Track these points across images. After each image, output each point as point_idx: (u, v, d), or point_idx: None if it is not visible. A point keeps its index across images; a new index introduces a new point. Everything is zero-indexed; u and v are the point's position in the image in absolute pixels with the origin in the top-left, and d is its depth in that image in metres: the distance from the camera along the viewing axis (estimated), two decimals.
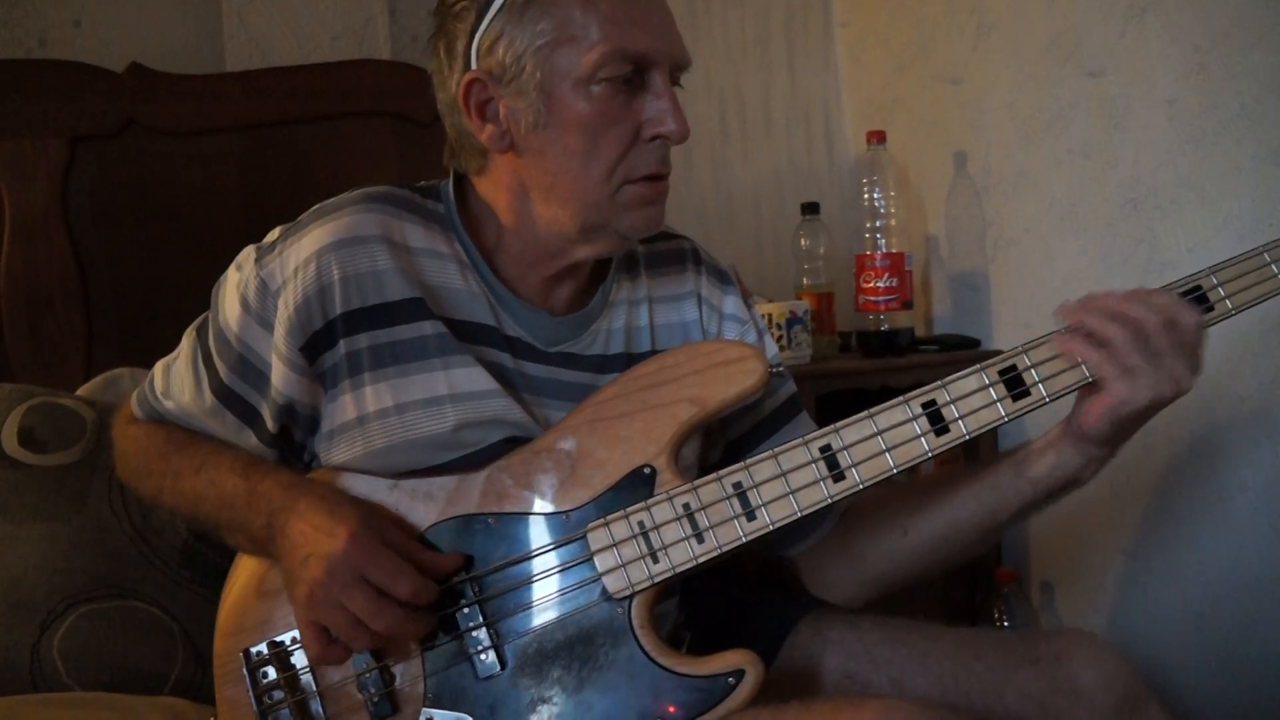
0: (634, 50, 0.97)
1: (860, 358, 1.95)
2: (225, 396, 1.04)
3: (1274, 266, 1.01)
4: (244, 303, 1.01)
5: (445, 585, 0.98)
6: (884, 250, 1.94)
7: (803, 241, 2.04)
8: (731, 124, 2.26)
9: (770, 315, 1.81)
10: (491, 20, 0.98)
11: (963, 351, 1.94)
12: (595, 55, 0.96)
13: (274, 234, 1.05)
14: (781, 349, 1.80)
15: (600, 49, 0.96)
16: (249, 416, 1.04)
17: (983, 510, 1.07)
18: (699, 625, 1.17)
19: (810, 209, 2.04)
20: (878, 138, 1.98)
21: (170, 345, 1.13)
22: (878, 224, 1.96)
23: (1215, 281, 1.01)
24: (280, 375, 1.01)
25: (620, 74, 0.98)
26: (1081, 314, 0.98)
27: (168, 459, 1.07)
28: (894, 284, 1.92)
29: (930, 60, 2.08)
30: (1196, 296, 1.00)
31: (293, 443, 1.07)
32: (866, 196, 1.97)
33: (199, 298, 1.13)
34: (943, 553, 1.11)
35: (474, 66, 1.00)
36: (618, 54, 0.97)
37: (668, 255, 1.18)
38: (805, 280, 2.03)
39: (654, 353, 1.13)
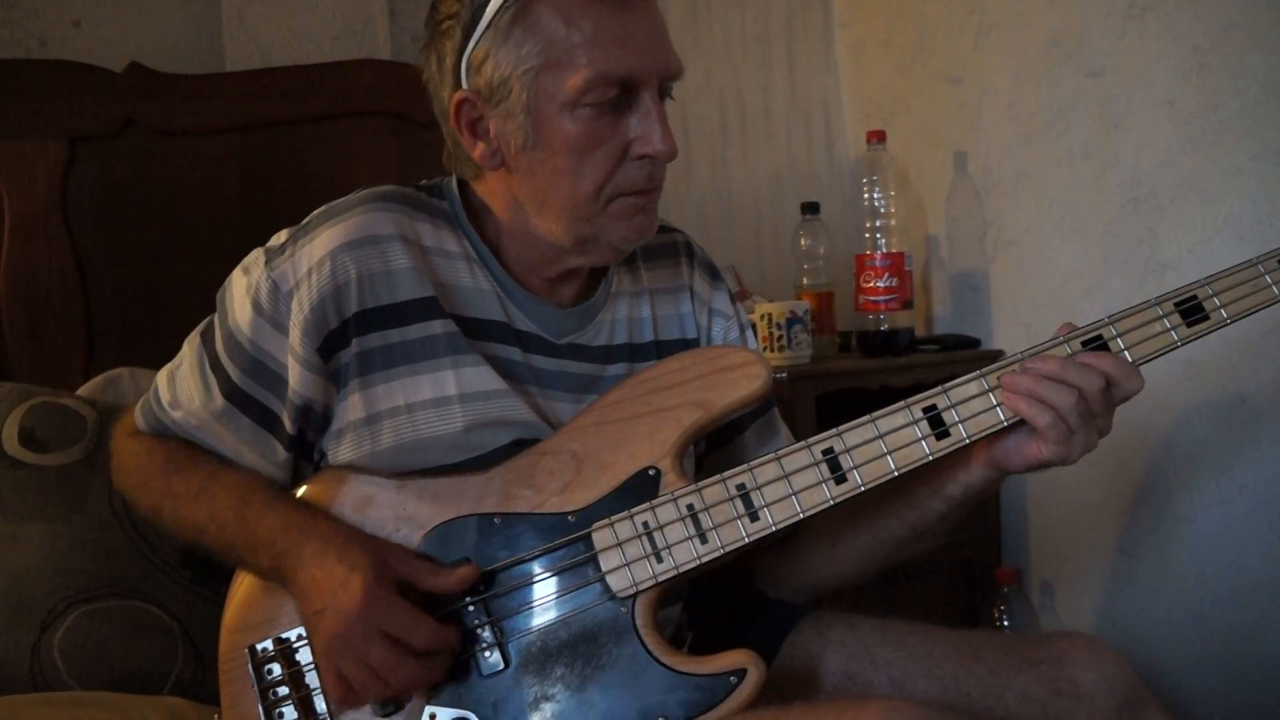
0: (619, 74, 0.97)
1: (860, 357, 1.95)
2: (239, 400, 1.04)
3: (1268, 278, 1.03)
4: (256, 305, 1.01)
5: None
6: (884, 250, 1.94)
7: (803, 241, 2.04)
8: (731, 124, 2.27)
9: (770, 315, 1.81)
10: (478, 40, 0.98)
11: (963, 351, 1.94)
12: (580, 80, 0.96)
13: (281, 236, 1.05)
14: (781, 349, 1.80)
15: (584, 74, 0.96)
16: (266, 420, 1.04)
17: (903, 525, 1.11)
18: (700, 625, 1.18)
19: (810, 209, 2.04)
20: (878, 138, 1.98)
21: (171, 344, 1.12)
22: (878, 224, 1.96)
23: (1210, 292, 1.02)
24: (297, 376, 1.01)
25: (605, 98, 0.97)
26: (1031, 384, 0.98)
27: (167, 479, 1.06)
28: (894, 284, 1.92)
29: (930, 60, 2.08)
30: (1192, 306, 1.02)
31: (305, 443, 1.06)
32: (866, 196, 1.97)
33: (199, 297, 1.13)
34: (869, 561, 1.15)
35: (464, 85, 1.01)
36: (602, 78, 0.96)
37: (662, 248, 1.20)
38: (805, 280, 2.03)
39: (656, 343, 1.15)
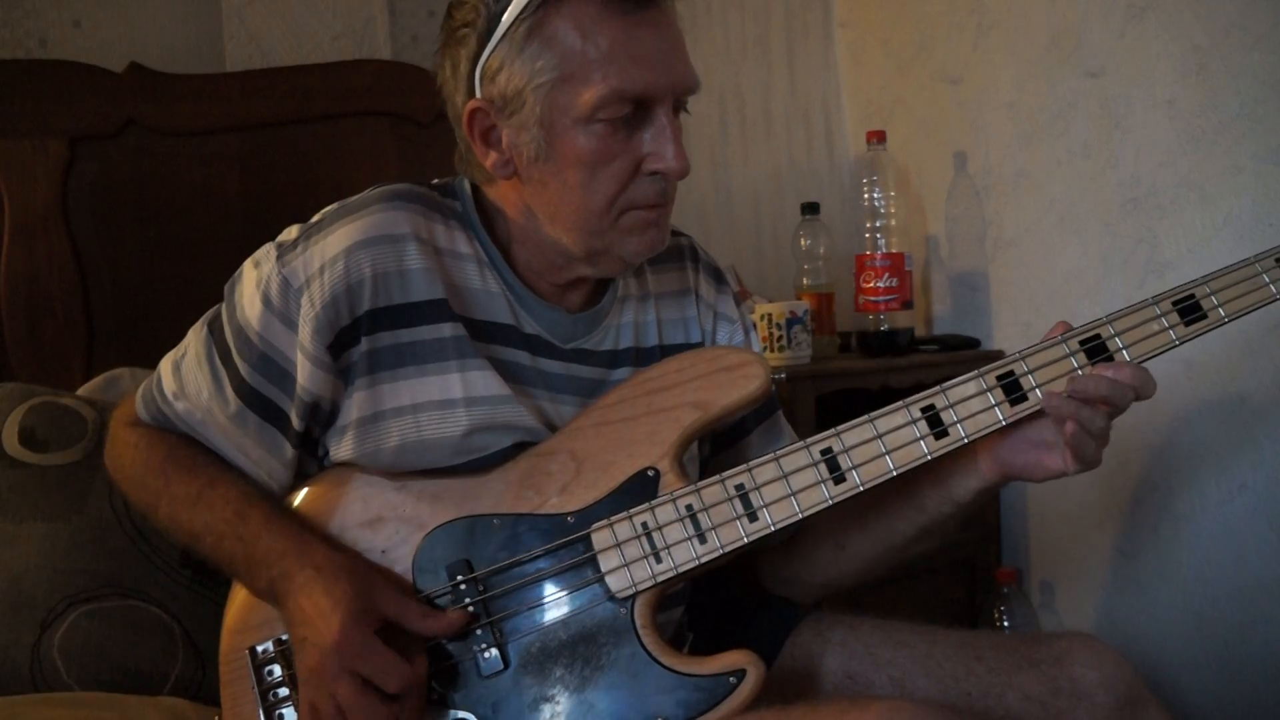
0: (634, 91, 0.97)
1: (860, 358, 1.95)
2: (247, 395, 1.03)
3: (1265, 276, 1.03)
4: (266, 300, 1.00)
5: (450, 588, 0.99)
6: (884, 250, 1.94)
7: (803, 241, 2.04)
8: (731, 124, 2.27)
9: (770, 315, 1.81)
10: (493, 50, 0.98)
11: (963, 351, 1.94)
12: (594, 96, 0.96)
13: (293, 232, 1.04)
14: (781, 349, 1.80)
15: (599, 90, 0.96)
16: (274, 416, 1.03)
17: (911, 529, 1.11)
18: (701, 626, 1.18)
19: (810, 209, 2.04)
20: (878, 138, 1.98)
21: (170, 344, 1.11)
22: (878, 224, 1.96)
23: (1208, 291, 1.02)
24: (306, 373, 1.00)
25: (620, 114, 0.97)
26: (1075, 405, 0.98)
27: (165, 479, 1.05)
28: (894, 284, 1.92)
29: (930, 60, 2.08)
30: (1190, 305, 1.01)
31: (312, 440, 1.06)
32: (866, 196, 1.97)
33: (199, 297, 1.12)
34: (877, 563, 1.16)
35: (477, 93, 1.00)
36: (616, 96, 0.96)
37: (668, 252, 1.19)
38: (805, 280, 2.03)
39: (661, 347, 1.15)
